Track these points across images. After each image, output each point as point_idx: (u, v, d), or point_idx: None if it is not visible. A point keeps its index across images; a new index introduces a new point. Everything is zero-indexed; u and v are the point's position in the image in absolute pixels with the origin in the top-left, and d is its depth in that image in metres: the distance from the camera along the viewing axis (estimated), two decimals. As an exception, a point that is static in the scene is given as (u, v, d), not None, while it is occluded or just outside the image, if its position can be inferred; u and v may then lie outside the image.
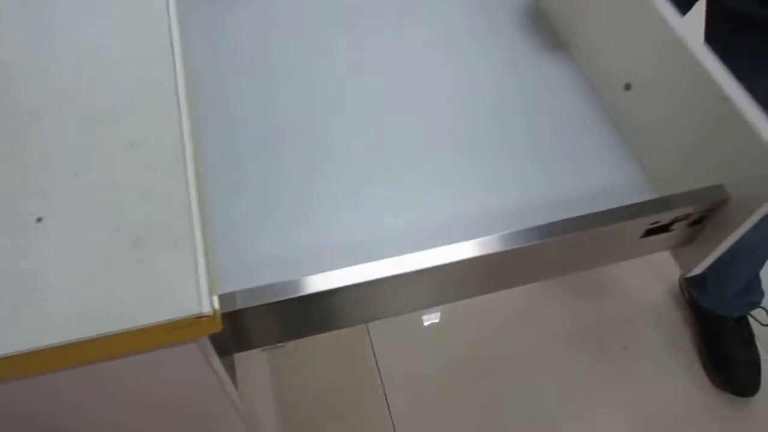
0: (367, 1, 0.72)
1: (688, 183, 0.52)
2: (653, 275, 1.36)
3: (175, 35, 0.51)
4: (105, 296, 0.38)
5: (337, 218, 0.54)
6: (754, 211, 0.47)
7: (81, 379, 0.40)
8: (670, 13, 0.52)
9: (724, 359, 1.20)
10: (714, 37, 0.88)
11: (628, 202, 0.50)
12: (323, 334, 0.51)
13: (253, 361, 1.04)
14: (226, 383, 0.49)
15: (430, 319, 1.34)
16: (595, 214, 0.48)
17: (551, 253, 0.49)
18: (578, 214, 0.48)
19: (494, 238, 0.46)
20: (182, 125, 0.47)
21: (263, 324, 0.49)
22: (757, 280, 1.18)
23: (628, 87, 0.59)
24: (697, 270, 0.56)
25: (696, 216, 0.51)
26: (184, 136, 0.46)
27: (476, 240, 0.46)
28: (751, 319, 1.24)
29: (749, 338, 1.23)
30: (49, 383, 0.39)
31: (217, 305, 0.40)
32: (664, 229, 0.51)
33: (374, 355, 1.27)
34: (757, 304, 1.22)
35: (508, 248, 0.46)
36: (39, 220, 0.42)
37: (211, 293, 0.39)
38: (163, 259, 0.40)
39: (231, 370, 0.56)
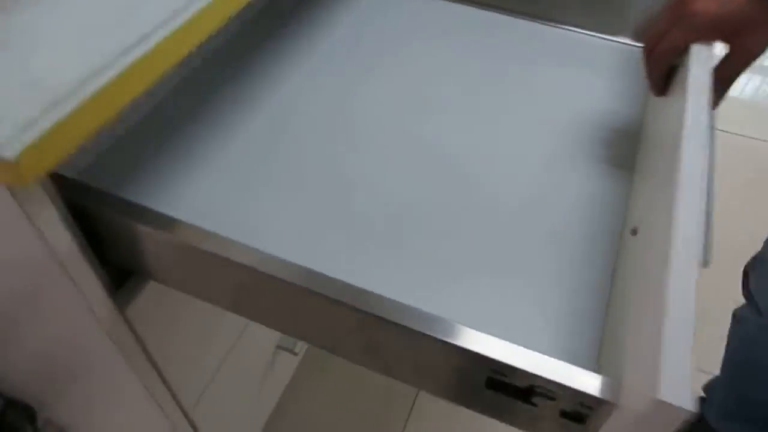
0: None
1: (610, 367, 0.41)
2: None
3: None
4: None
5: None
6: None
7: None
8: (687, 176, 0.40)
9: None
10: None
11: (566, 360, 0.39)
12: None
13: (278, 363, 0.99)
14: (63, 256, 0.45)
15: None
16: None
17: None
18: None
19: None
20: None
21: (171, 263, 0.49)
22: None
23: (634, 232, 0.50)
24: None
25: (568, 406, 0.39)
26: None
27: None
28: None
29: None
30: None
31: (45, 169, 0.37)
32: (526, 396, 0.40)
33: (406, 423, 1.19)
34: None
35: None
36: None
37: (36, 153, 0.36)
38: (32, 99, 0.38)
39: (131, 288, 0.54)
